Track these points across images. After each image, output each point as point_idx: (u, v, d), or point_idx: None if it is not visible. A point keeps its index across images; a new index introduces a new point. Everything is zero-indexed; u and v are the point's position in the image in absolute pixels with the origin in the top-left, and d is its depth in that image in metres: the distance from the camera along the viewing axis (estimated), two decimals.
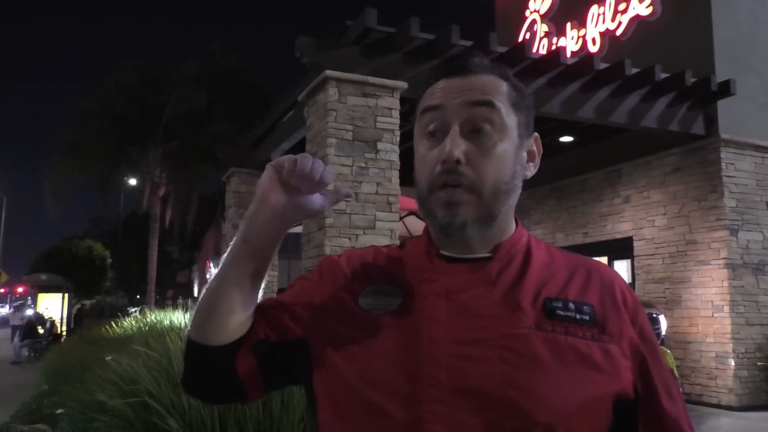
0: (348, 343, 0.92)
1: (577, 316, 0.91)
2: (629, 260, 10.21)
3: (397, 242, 1.14)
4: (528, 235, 1.03)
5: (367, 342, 0.90)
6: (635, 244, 9.93)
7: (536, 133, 1.03)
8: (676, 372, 1.49)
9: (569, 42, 10.82)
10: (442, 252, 0.98)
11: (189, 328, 0.99)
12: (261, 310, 1.01)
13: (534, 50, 10.68)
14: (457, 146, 0.91)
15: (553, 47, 10.76)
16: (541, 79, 7.81)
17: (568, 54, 9.91)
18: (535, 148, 1.03)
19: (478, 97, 0.94)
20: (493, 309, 0.90)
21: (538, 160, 1.03)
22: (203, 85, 15.70)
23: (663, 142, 9.18)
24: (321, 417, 0.93)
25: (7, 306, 54.34)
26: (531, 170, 1.02)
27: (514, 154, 0.96)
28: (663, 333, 7.62)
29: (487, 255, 0.96)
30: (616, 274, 1.02)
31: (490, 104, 0.94)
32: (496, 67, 0.99)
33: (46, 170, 16.80)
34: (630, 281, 10.26)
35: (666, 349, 1.31)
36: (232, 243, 0.97)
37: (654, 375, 0.94)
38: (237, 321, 0.97)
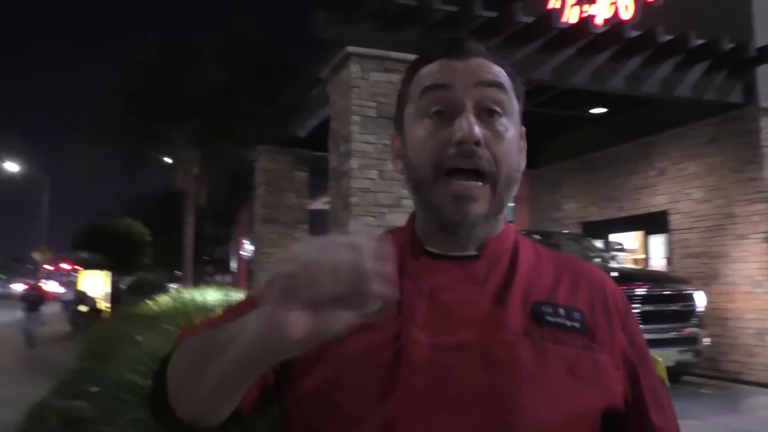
0: (319, 349, 0.84)
1: (567, 323, 0.84)
2: (665, 235, 9.97)
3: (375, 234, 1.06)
4: (515, 231, 0.96)
5: (340, 347, 0.82)
6: (671, 218, 9.69)
7: (523, 127, 0.95)
8: (666, 381, 1.41)
9: (600, 9, 10.47)
10: (426, 248, 0.91)
11: (161, 395, 0.82)
12: None
13: (564, 18, 10.39)
14: (476, 125, 0.84)
15: (584, 14, 10.43)
16: (570, 49, 7.58)
17: (600, 21, 9.63)
18: (523, 142, 0.95)
19: (489, 78, 0.88)
20: (479, 312, 0.83)
21: (524, 155, 0.96)
22: (229, 61, 15.67)
23: (698, 112, 8.88)
24: (291, 428, 0.88)
25: (56, 282, 56.00)
26: (523, 164, 0.95)
27: (518, 141, 0.91)
28: (700, 310, 7.43)
29: (474, 253, 0.89)
30: (605, 275, 0.95)
31: (500, 86, 0.89)
32: (493, 52, 0.93)
33: (75, 150, 17.10)
34: (666, 256, 10.05)
35: (656, 357, 1.24)
36: (215, 352, 0.71)
37: (643, 385, 0.88)
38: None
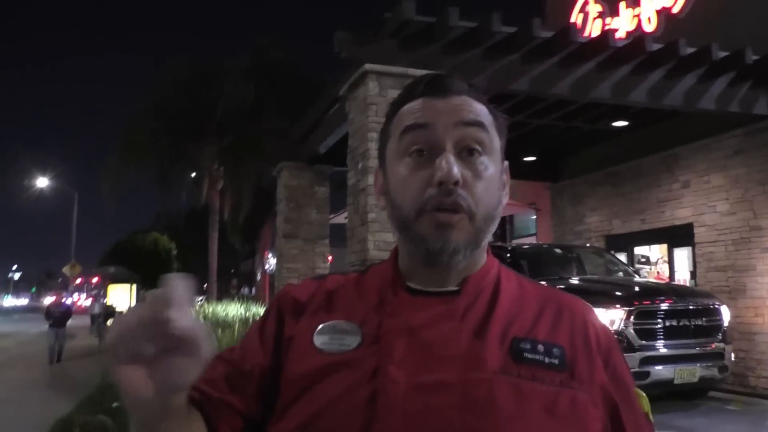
0: (298, 389, 0.85)
1: (546, 360, 0.84)
2: (690, 248, 9.82)
3: (361, 268, 1.07)
4: (498, 265, 0.96)
5: (318, 386, 0.84)
6: (696, 230, 9.54)
7: (506, 162, 0.96)
8: (650, 416, 1.37)
9: (623, 22, 10.42)
10: (407, 284, 0.92)
11: None
12: (229, 398, 0.88)
13: (586, 32, 10.35)
14: (455, 166, 0.85)
15: (607, 28, 10.38)
16: (590, 63, 7.54)
17: (623, 34, 9.57)
18: (506, 176, 0.96)
19: (470, 117, 0.89)
20: (457, 349, 0.83)
21: (508, 190, 0.97)
22: (254, 79, 15.86)
23: (723, 124, 8.75)
24: None
25: (84, 295, 56.88)
26: (505, 199, 0.95)
27: (498, 179, 0.92)
28: (725, 324, 7.29)
29: (455, 289, 0.90)
30: (589, 310, 0.95)
31: (480, 125, 0.89)
32: (475, 90, 0.94)
33: (104, 167, 17.44)
34: (691, 270, 9.89)
35: (641, 392, 1.21)
36: None
37: (625, 422, 0.87)
38: None
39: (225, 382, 0.89)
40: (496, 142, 0.91)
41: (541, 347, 0.85)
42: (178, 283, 0.66)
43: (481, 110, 0.91)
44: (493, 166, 0.89)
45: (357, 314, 0.90)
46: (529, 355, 0.83)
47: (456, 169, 0.85)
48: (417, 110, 0.91)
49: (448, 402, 0.79)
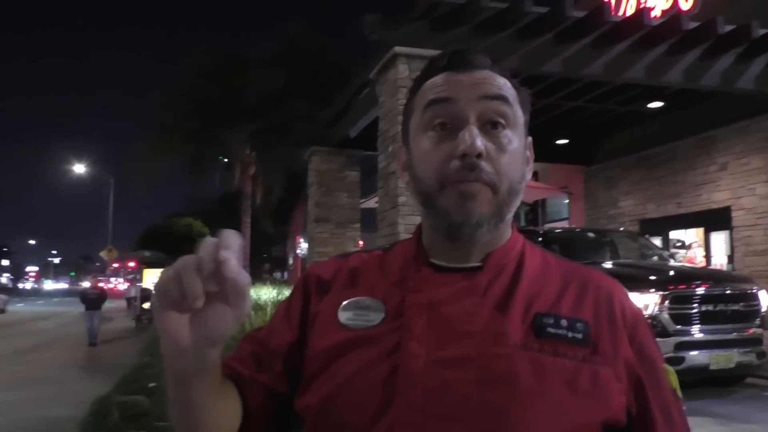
0: (320, 363, 0.87)
1: (569, 334, 0.83)
2: (727, 231, 9.63)
3: (386, 245, 1.07)
4: (523, 240, 0.95)
5: (340, 361, 0.85)
6: (734, 214, 9.35)
7: (530, 137, 0.95)
8: (679, 392, 1.32)
9: (659, 0, 10.18)
10: (431, 260, 0.92)
11: None
12: (258, 377, 0.91)
13: (621, 11, 10.15)
14: (478, 138, 0.85)
15: (642, 6, 10.16)
16: (624, 42, 7.40)
17: (659, 13, 9.36)
18: (529, 152, 0.95)
19: (493, 91, 0.88)
20: (478, 324, 0.83)
21: (531, 165, 0.96)
22: (283, 65, 15.91)
23: (762, 104, 8.53)
24: None
25: (121, 279, 58.13)
26: (528, 174, 0.95)
27: (522, 153, 0.91)
28: (763, 309, 7.14)
29: (478, 264, 0.90)
30: (615, 284, 0.94)
31: (504, 99, 0.89)
32: (498, 64, 0.93)
33: (137, 153, 17.69)
34: (728, 254, 9.70)
35: (669, 367, 1.18)
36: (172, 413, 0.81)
37: (651, 398, 0.86)
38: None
39: (253, 360, 0.92)
40: (519, 117, 0.90)
41: (564, 322, 0.84)
42: (231, 235, 0.67)
43: (504, 84, 0.90)
44: (517, 139, 0.88)
45: (380, 290, 0.91)
46: (552, 330, 0.83)
47: (479, 141, 0.84)
48: (440, 84, 0.90)
49: (466, 376, 0.79)
